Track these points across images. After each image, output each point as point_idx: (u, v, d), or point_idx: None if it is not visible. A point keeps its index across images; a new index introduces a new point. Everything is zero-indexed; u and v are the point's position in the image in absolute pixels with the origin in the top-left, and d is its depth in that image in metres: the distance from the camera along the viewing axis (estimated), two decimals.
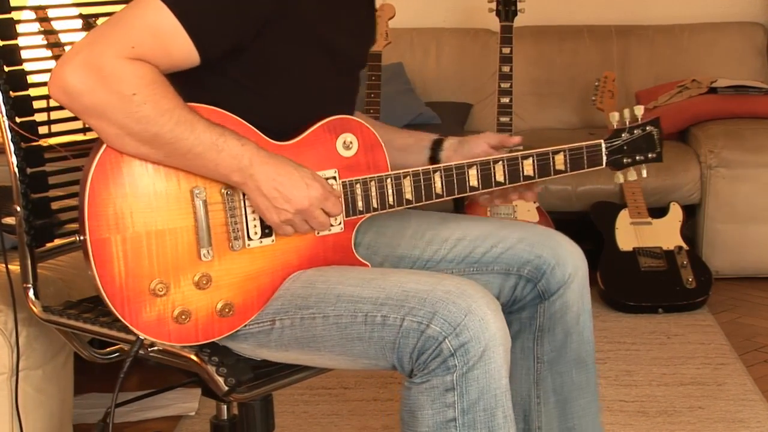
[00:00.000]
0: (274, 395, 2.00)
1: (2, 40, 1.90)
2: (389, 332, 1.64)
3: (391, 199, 1.85)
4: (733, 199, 4.08)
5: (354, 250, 1.86)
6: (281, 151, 1.76)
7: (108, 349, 1.99)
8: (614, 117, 1.99)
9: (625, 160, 1.99)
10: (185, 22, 1.63)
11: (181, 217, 1.71)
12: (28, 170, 1.91)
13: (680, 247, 3.90)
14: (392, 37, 3.94)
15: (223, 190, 1.73)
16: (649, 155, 2.01)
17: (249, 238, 1.76)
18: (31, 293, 1.94)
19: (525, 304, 1.94)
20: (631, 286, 3.81)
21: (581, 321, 1.93)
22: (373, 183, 1.84)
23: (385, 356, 1.66)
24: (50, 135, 1.96)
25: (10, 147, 1.89)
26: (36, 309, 1.94)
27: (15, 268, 2.00)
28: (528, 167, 1.92)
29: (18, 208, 1.90)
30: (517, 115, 4.27)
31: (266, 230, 1.77)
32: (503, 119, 3.85)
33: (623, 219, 3.99)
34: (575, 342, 1.93)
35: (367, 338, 1.67)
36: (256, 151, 1.68)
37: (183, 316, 1.71)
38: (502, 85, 3.86)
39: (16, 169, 1.89)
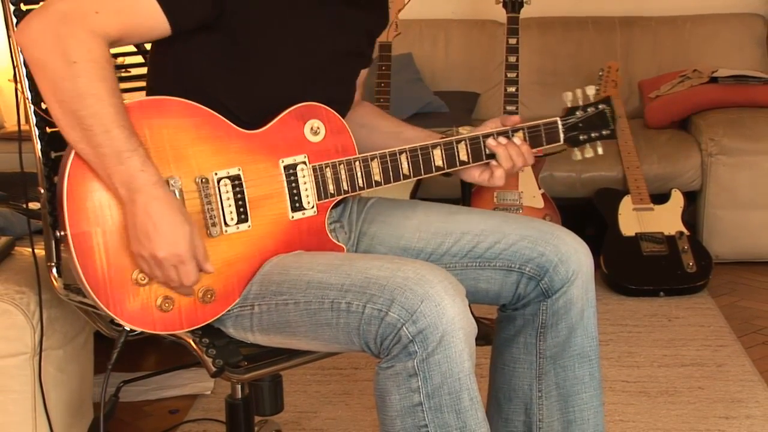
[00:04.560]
0: (286, 375, 2.02)
1: None
2: (353, 319, 1.64)
3: (360, 181, 1.87)
4: (733, 186, 4.10)
5: (328, 233, 1.87)
6: (251, 140, 1.78)
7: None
8: (567, 96, 2.05)
9: (581, 137, 2.03)
10: None
11: None
12: (53, 154, 1.92)
13: (681, 233, 3.92)
14: (402, 28, 3.91)
15: (197, 179, 1.73)
16: (603, 132, 2.05)
17: (226, 224, 1.76)
18: (54, 271, 1.96)
19: (529, 301, 1.93)
20: (633, 270, 3.83)
21: (585, 316, 1.92)
22: (342, 166, 1.86)
23: (353, 341, 1.67)
24: None
25: (35, 131, 1.91)
26: (57, 284, 1.96)
27: (38, 252, 2.02)
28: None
29: (42, 190, 1.91)
30: (523, 104, 4.29)
31: (242, 216, 1.78)
32: (509, 108, 3.85)
33: (626, 205, 4.00)
34: (579, 337, 1.92)
35: (335, 324, 1.67)
36: (152, 184, 1.63)
37: (167, 303, 1.72)
38: (509, 75, 3.87)
39: (40, 153, 1.91)
